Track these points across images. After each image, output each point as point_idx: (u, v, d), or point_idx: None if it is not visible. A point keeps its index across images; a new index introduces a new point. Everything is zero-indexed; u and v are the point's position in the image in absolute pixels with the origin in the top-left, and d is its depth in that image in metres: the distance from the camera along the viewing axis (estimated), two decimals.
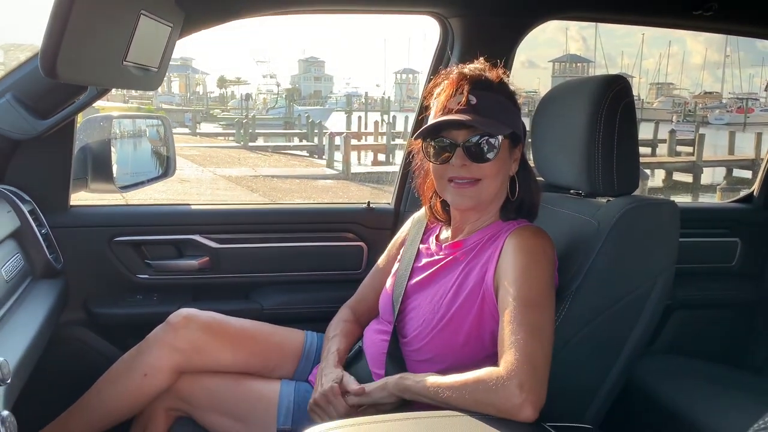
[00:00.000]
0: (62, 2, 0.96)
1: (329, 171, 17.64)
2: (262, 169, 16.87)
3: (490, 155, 1.26)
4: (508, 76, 1.35)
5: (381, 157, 22.22)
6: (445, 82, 1.30)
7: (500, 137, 1.26)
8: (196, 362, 1.48)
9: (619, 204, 1.36)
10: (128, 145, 2.02)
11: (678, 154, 23.39)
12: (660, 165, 21.61)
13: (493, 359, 1.14)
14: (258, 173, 15.82)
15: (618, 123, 1.38)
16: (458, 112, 1.25)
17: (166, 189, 11.89)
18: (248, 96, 41.98)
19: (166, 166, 2.04)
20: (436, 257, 1.39)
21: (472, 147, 1.25)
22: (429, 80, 1.40)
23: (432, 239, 1.46)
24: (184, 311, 1.51)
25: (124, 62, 1.23)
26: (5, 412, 0.93)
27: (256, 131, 27.19)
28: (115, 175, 1.77)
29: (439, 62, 1.90)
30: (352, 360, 1.46)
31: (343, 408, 1.26)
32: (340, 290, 1.74)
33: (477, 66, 1.32)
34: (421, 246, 1.46)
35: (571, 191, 1.58)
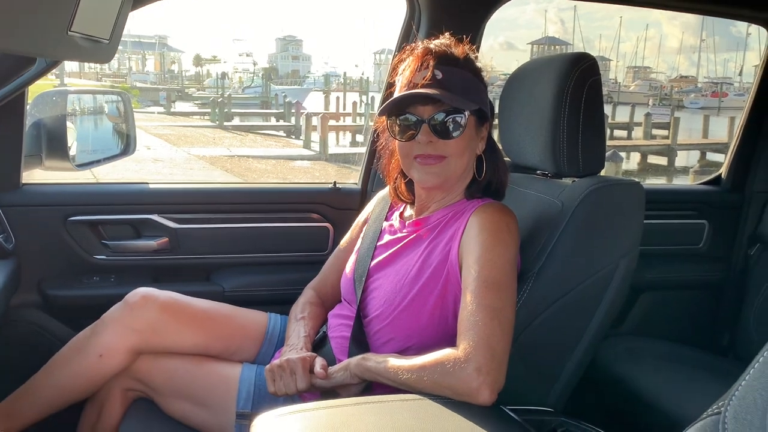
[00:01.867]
0: None
1: (306, 152, 17.53)
2: (237, 149, 16.71)
3: (456, 132, 1.23)
4: (475, 53, 1.32)
5: (360, 137, 22.13)
6: (410, 57, 1.27)
7: (467, 113, 1.23)
8: (154, 343, 1.44)
9: (583, 184, 1.34)
10: (88, 121, 1.96)
11: (653, 137, 23.67)
12: (635, 148, 21.84)
13: (455, 343, 1.13)
14: (233, 153, 15.66)
15: (584, 101, 1.35)
16: (423, 86, 1.21)
17: (139, 169, 11.74)
18: (224, 75, 41.46)
19: (125, 144, 1.97)
20: (400, 235, 1.36)
21: (437, 124, 1.23)
22: (395, 56, 1.37)
23: (396, 216, 1.43)
24: (142, 290, 1.47)
25: (69, 32, 1.17)
26: None
27: (232, 111, 26.89)
28: (73, 153, 1.71)
29: (406, 39, 1.86)
30: (317, 345, 1.43)
31: (305, 384, 1.21)
32: (305, 272, 1.70)
33: (443, 41, 1.29)
34: (384, 224, 1.43)
35: (538, 172, 1.56)
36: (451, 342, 1.12)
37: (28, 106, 1.65)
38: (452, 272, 1.22)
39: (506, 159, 1.69)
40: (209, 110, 26.07)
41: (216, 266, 1.90)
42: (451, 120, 1.23)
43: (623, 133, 26.64)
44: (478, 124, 1.28)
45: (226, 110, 24.30)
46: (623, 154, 19.96)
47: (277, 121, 27.01)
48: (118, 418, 1.45)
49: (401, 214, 1.43)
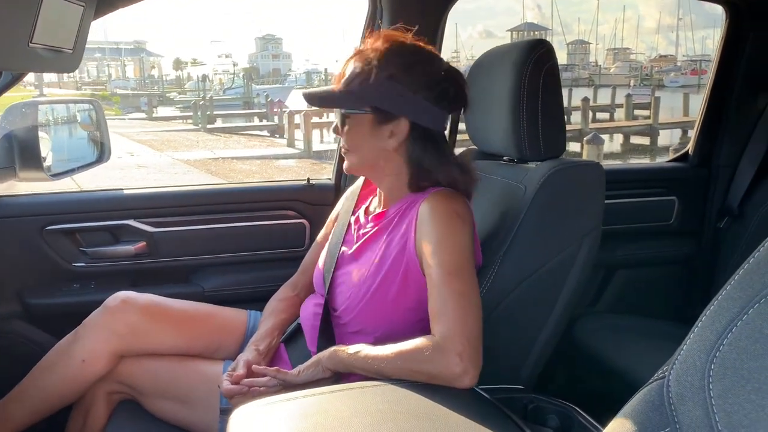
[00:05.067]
0: None
1: (290, 150, 17.48)
2: (221, 151, 16.65)
3: (345, 128, 1.31)
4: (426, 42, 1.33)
5: None
6: None
7: (357, 112, 1.29)
8: (135, 345, 1.47)
9: (544, 168, 1.38)
10: (62, 131, 1.97)
11: (635, 117, 23.81)
12: (618, 129, 21.98)
13: (423, 327, 1.16)
14: (217, 155, 15.60)
15: (541, 87, 1.39)
16: (336, 83, 1.31)
17: (123, 176, 11.67)
18: (205, 77, 41.22)
19: (100, 152, 1.99)
20: (363, 230, 1.39)
21: (339, 119, 1.33)
22: None
23: (361, 211, 1.46)
24: (122, 294, 1.50)
25: (31, 44, 1.19)
26: None
27: (214, 113, 26.77)
28: (48, 163, 1.72)
29: (370, 35, 1.87)
30: (291, 337, 1.46)
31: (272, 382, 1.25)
32: (283, 268, 1.73)
33: (378, 43, 1.31)
34: (351, 218, 1.47)
35: (504, 158, 1.60)
36: (419, 330, 1.16)
37: None
38: (411, 263, 1.25)
39: (473, 147, 1.73)
40: (191, 114, 25.95)
41: (195, 267, 1.92)
42: (344, 116, 1.31)
43: (606, 116, 26.80)
44: (377, 121, 1.28)
45: (208, 113, 24.19)
46: (606, 137, 20.12)
47: (261, 120, 26.90)
48: (104, 421, 1.48)
49: (366, 209, 1.46)
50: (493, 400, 1.09)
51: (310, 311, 1.43)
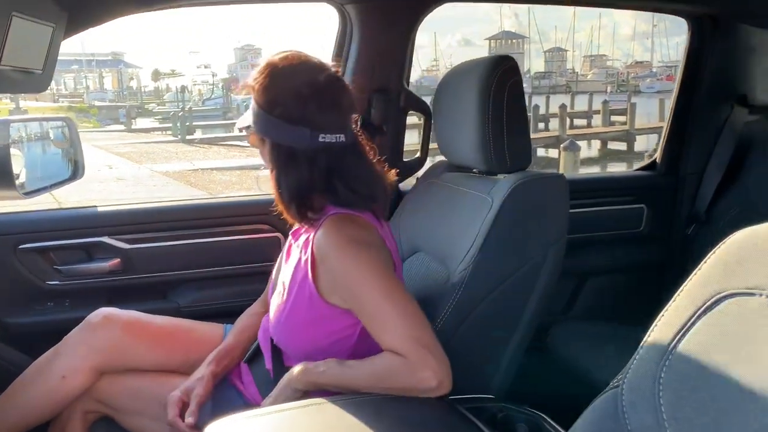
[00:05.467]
0: None
1: None
2: (200, 162, 16.55)
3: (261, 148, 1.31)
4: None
5: None
6: None
7: (263, 139, 1.29)
8: (116, 362, 1.47)
9: (510, 180, 1.41)
10: (35, 148, 1.96)
11: (612, 123, 24.12)
12: (595, 135, 22.29)
13: (339, 350, 1.23)
14: (197, 167, 15.52)
15: (506, 102, 1.43)
16: None
17: (102, 189, 11.55)
18: (183, 88, 40.99)
19: (74, 169, 1.98)
20: (290, 253, 1.40)
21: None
22: None
23: (293, 233, 1.46)
24: (104, 311, 1.50)
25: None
26: None
27: (194, 123, 26.62)
28: (22, 180, 1.72)
29: (341, 49, 1.91)
30: (254, 356, 1.47)
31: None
32: (258, 282, 1.74)
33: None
34: (290, 239, 1.46)
35: (474, 170, 1.63)
36: (338, 351, 1.22)
37: None
38: (312, 292, 1.24)
39: (442, 159, 1.77)
40: (170, 125, 25.77)
41: (170, 283, 1.93)
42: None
43: (584, 122, 27.14)
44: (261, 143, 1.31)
45: (187, 123, 24.05)
46: (584, 143, 20.36)
47: (240, 131, 26.73)
48: None
49: (296, 231, 1.44)
50: (462, 410, 1.12)
51: (263, 328, 1.44)
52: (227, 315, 1.74)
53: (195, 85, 62.38)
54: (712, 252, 0.75)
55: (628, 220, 2.31)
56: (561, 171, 13.53)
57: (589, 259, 2.21)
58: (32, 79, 1.35)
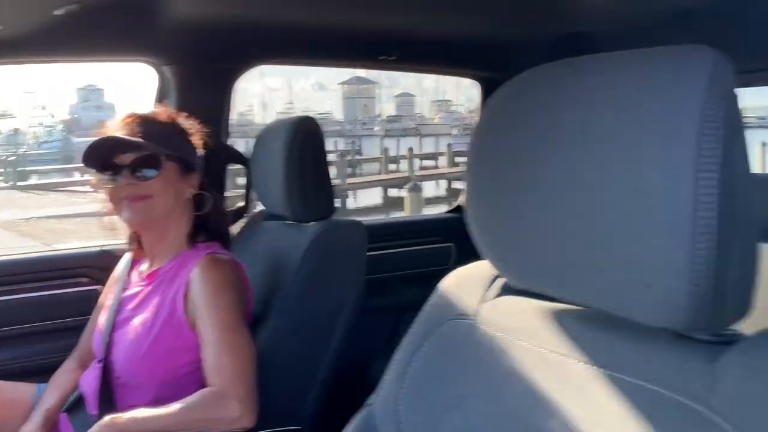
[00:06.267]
0: None
1: None
2: (35, 210, 15.38)
3: (152, 173, 1.35)
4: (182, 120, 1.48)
5: None
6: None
7: (162, 158, 1.35)
8: None
9: (314, 228, 1.57)
10: None
11: (456, 164, 25.64)
12: (441, 176, 23.63)
13: (199, 379, 1.28)
14: (30, 215, 14.40)
15: (309, 159, 1.60)
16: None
17: None
18: (17, 130, 37.93)
19: None
20: (137, 289, 1.45)
21: (137, 166, 1.34)
22: None
23: (135, 272, 1.51)
24: None
25: None
26: None
27: (29, 168, 24.74)
28: None
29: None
30: (73, 406, 1.46)
31: None
32: (75, 337, 1.72)
33: (153, 111, 1.46)
34: (128, 279, 1.51)
35: (287, 220, 1.77)
36: (194, 382, 1.28)
37: None
38: (182, 324, 1.33)
39: (261, 208, 1.89)
40: (1, 170, 23.74)
41: None
42: (148, 162, 1.34)
43: (432, 163, 28.63)
44: (182, 171, 1.40)
45: (19, 169, 22.29)
46: (432, 183, 21.47)
47: (82, 175, 25.18)
48: None
49: (139, 269, 1.51)
50: None
51: (89, 376, 1.44)
52: (42, 372, 1.69)
53: (31, 127, 57.85)
54: (438, 286, 0.94)
55: (438, 258, 2.54)
56: (406, 210, 14.26)
57: (405, 295, 2.40)
58: None
